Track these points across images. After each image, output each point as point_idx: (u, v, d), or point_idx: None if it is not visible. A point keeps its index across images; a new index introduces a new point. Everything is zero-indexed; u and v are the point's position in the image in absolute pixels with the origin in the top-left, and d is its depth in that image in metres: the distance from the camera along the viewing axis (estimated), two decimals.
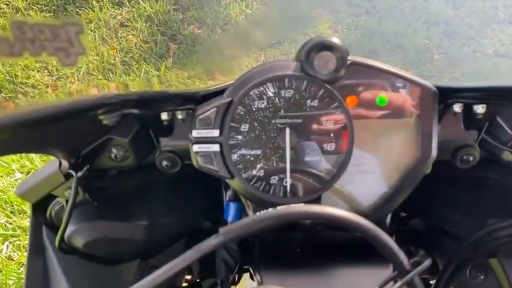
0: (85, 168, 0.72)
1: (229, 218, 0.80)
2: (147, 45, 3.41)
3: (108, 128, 0.71)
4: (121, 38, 3.44)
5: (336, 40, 0.65)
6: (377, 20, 3.77)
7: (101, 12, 3.55)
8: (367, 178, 0.72)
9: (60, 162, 0.72)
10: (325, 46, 0.65)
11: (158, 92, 0.77)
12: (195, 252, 0.50)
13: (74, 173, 0.71)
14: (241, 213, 0.80)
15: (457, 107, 0.71)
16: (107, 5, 3.60)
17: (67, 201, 0.75)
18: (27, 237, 0.84)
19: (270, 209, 0.52)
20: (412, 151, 0.71)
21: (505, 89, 0.71)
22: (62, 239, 0.75)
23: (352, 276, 0.69)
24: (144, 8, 3.59)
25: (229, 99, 0.67)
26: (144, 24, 3.52)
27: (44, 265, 0.81)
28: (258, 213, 0.52)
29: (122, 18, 3.57)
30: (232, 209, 0.80)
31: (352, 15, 3.76)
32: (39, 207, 0.82)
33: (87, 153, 0.73)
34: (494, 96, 0.70)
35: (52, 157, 0.74)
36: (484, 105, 0.70)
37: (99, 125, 0.68)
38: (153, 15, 3.57)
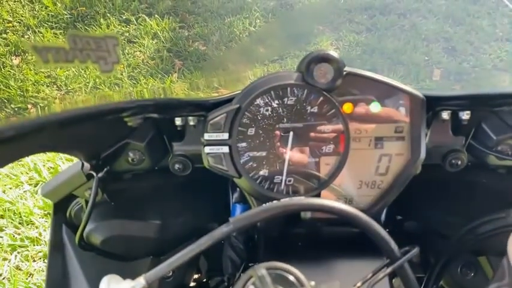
0: (105, 169, 0.79)
1: None
2: (154, 61, 3.49)
3: (127, 133, 0.78)
4: (128, 54, 3.53)
5: (333, 53, 0.73)
6: (377, 37, 3.85)
7: (108, 29, 3.65)
8: (362, 178, 0.78)
9: (82, 164, 0.79)
10: (324, 58, 0.73)
11: (173, 98, 0.84)
12: (208, 238, 0.56)
13: (94, 174, 0.77)
14: None
15: (445, 114, 0.77)
16: (114, 23, 3.70)
17: (86, 202, 0.82)
18: (48, 234, 0.90)
19: (275, 201, 0.58)
20: (403, 153, 0.77)
21: (485, 96, 0.77)
22: (81, 236, 0.81)
23: (350, 267, 0.74)
24: (151, 25, 3.69)
25: (238, 105, 0.74)
26: (150, 41, 3.61)
27: (63, 260, 0.87)
28: (263, 205, 0.58)
29: (129, 35, 3.66)
30: (238, 210, 0.87)
31: (353, 33, 3.84)
32: (60, 207, 0.88)
33: (106, 156, 0.79)
34: (476, 103, 0.76)
35: (69, 161, 0.80)
36: (469, 112, 0.76)
37: (120, 129, 0.75)
38: (159, 33, 3.66)
